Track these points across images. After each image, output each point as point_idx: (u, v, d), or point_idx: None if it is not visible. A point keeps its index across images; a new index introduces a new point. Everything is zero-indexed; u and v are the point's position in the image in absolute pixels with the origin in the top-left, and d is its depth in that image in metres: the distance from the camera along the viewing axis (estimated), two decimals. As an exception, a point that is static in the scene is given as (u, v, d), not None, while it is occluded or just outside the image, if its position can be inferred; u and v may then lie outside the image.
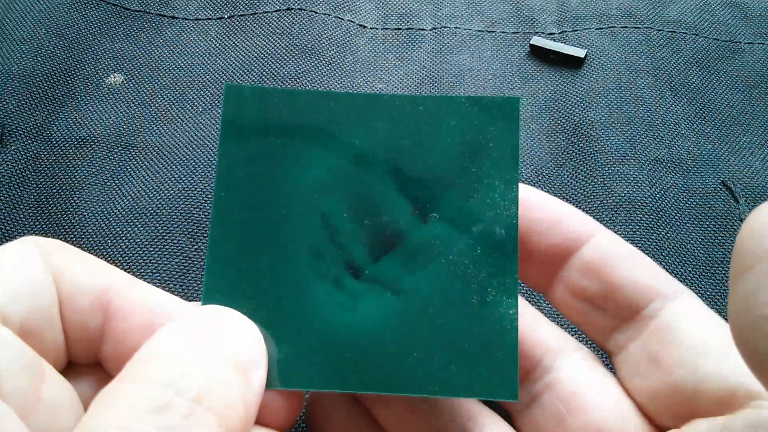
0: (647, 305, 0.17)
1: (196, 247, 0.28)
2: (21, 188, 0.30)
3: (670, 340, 0.16)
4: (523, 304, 0.18)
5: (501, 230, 0.17)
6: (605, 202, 0.30)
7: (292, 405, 0.17)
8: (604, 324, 0.18)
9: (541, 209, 0.18)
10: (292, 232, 0.17)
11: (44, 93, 0.33)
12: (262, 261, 0.17)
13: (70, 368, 0.17)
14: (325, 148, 0.18)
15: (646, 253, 0.18)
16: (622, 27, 0.36)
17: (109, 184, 0.30)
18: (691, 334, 0.16)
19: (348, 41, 0.35)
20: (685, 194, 0.30)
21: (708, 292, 0.27)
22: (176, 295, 0.26)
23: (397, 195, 0.17)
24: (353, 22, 0.36)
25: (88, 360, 0.17)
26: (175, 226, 0.29)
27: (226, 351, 0.15)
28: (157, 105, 0.33)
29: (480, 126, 0.17)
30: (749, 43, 0.35)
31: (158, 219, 0.29)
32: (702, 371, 0.15)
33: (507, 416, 0.18)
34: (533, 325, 0.18)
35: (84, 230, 0.29)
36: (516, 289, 0.16)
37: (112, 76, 0.34)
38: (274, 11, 0.37)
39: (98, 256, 0.29)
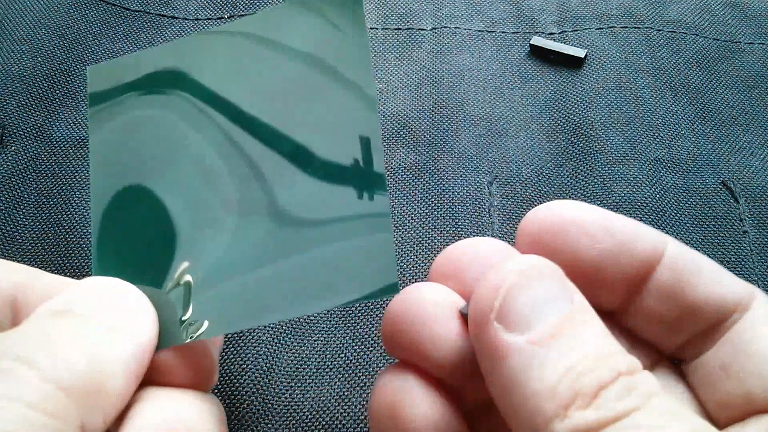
0: (726, 319, 0.16)
1: (196, 247, 0.28)
2: (21, 189, 0.30)
3: (742, 350, 0.16)
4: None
5: (363, 127, 0.16)
6: (605, 202, 0.30)
7: (197, 361, 0.17)
8: (679, 341, 0.17)
9: (612, 235, 0.17)
10: (167, 187, 0.17)
11: (44, 94, 0.33)
12: (142, 226, 0.17)
13: None
14: (179, 96, 0.18)
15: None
16: (622, 27, 0.36)
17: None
18: (763, 342, 0.16)
19: (348, 41, 0.35)
20: (685, 194, 0.30)
21: (708, 293, 0.27)
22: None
23: (259, 120, 0.17)
24: (353, 22, 0.36)
25: None
26: (175, 226, 0.29)
27: (79, 316, 0.15)
28: (157, 105, 0.33)
29: (324, 27, 0.17)
30: (749, 43, 0.35)
31: (158, 219, 0.29)
32: None
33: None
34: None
35: (84, 230, 0.29)
36: (383, 180, 0.16)
37: (112, 76, 0.34)
38: (274, 11, 0.37)
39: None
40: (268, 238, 0.16)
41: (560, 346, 0.14)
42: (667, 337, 0.17)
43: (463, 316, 0.16)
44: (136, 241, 0.17)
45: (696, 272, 0.16)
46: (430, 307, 0.16)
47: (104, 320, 0.15)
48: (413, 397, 0.16)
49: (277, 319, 0.16)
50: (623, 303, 0.17)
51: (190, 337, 0.16)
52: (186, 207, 0.17)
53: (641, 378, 0.13)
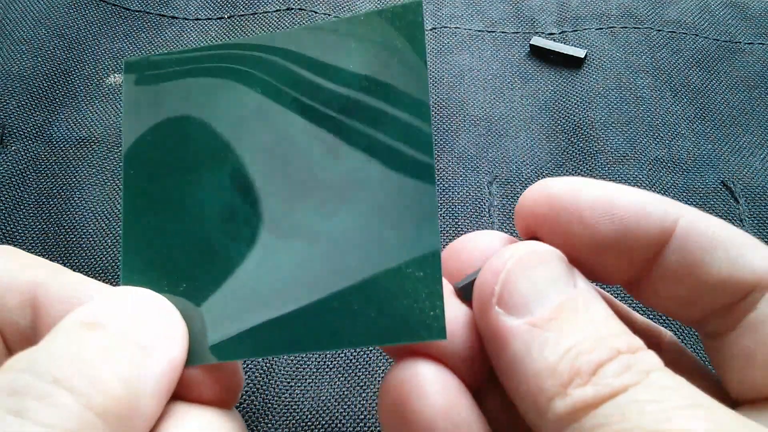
0: (745, 298, 0.16)
1: (196, 247, 0.28)
2: (21, 188, 0.30)
3: (764, 337, 0.15)
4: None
5: (414, 153, 0.15)
6: (605, 202, 0.30)
7: (226, 378, 0.16)
8: (696, 315, 0.17)
9: (613, 217, 0.16)
10: (203, 197, 0.17)
11: (44, 93, 0.33)
12: (176, 233, 0.17)
13: None
14: (226, 101, 0.17)
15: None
16: (622, 27, 0.36)
17: (109, 184, 0.30)
18: None
19: (348, 41, 0.35)
20: (685, 194, 0.30)
21: (708, 292, 0.27)
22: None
23: (306, 136, 0.16)
24: (353, 22, 0.36)
25: None
26: (175, 226, 0.29)
27: (112, 331, 0.14)
28: (157, 105, 0.33)
29: (382, 41, 0.16)
30: (749, 44, 0.35)
31: (158, 219, 0.29)
32: None
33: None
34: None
35: (84, 230, 0.29)
36: (435, 217, 0.15)
37: (112, 76, 0.34)
38: (274, 11, 0.37)
39: (98, 257, 0.29)
40: (308, 261, 0.16)
41: (560, 327, 0.14)
42: (682, 313, 0.17)
43: (458, 292, 0.16)
44: (168, 246, 0.17)
45: (710, 250, 0.15)
46: None
47: (137, 337, 0.15)
48: (422, 385, 0.15)
49: (310, 351, 0.16)
50: (630, 282, 0.17)
51: (219, 357, 0.16)
52: (225, 215, 0.16)
53: (642, 356, 0.13)
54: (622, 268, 0.16)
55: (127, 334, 0.15)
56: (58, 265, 0.17)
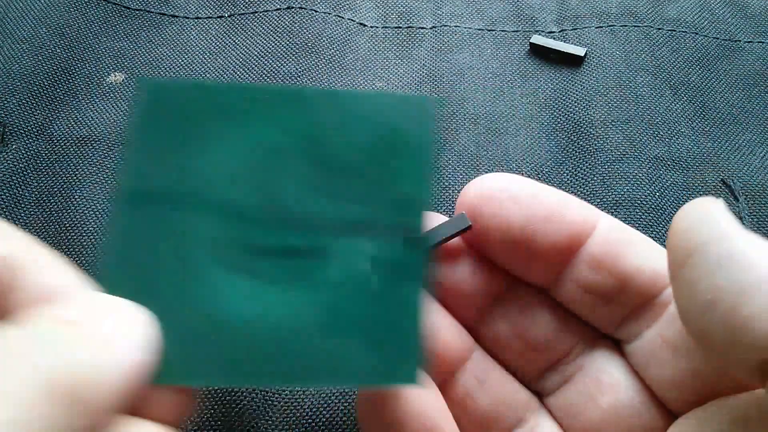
0: (661, 292, 0.16)
1: (196, 245, 0.28)
2: (21, 187, 0.30)
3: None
4: (548, 300, 0.18)
5: (408, 219, 0.17)
6: (605, 200, 0.30)
7: (183, 401, 0.16)
8: (615, 315, 0.17)
9: (540, 203, 0.17)
10: (198, 222, 0.17)
11: (45, 92, 0.33)
12: (163, 252, 0.17)
13: None
14: (237, 140, 0.18)
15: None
16: (621, 25, 0.36)
17: (109, 183, 0.30)
18: None
19: (348, 40, 0.35)
20: (684, 192, 0.30)
21: (707, 290, 0.27)
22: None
23: (308, 188, 0.17)
24: (353, 21, 0.36)
25: None
26: (175, 224, 0.29)
27: (87, 329, 0.14)
28: (157, 104, 0.33)
29: (395, 123, 0.18)
30: (749, 42, 0.35)
31: (159, 217, 0.29)
32: None
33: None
34: (566, 315, 0.18)
35: (84, 230, 0.29)
36: (420, 275, 0.17)
37: (112, 74, 0.34)
38: (275, 10, 0.37)
39: (98, 256, 0.29)
40: (293, 298, 0.17)
41: None
42: (604, 312, 0.17)
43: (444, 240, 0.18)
44: (153, 261, 0.17)
45: (629, 243, 0.17)
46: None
47: (111, 337, 0.14)
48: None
49: (280, 384, 0.16)
50: (556, 273, 0.18)
51: (182, 381, 0.16)
52: (218, 244, 0.17)
53: None
54: (548, 254, 0.17)
55: (100, 329, 0.14)
56: (28, 237, 0.16)
